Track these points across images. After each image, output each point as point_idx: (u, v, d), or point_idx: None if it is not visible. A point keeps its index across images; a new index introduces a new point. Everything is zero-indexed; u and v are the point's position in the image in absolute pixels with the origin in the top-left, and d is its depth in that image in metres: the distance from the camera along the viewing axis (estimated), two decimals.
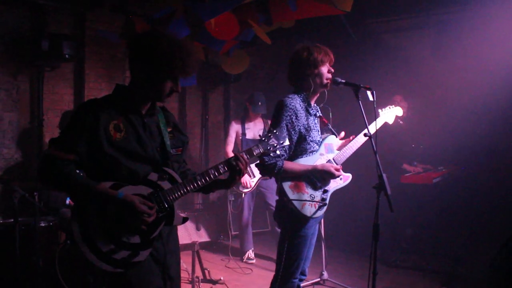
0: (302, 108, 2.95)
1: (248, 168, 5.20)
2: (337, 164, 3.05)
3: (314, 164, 2.95)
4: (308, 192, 2.91)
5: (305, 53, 2.96)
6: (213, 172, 2.28)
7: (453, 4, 5.83)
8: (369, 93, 2.76)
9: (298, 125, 2.89)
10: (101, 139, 2.07)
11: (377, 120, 3.11)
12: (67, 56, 5.02)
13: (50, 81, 5.40)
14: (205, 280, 4.65)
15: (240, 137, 5.63)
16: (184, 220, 2.26)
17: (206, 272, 4.71)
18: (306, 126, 2.93)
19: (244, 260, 5.51)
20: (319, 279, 4.66)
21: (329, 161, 3.03)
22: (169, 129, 2.33)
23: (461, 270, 4.93)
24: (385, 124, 3.54)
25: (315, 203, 2.90)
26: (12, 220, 3.70)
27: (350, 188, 6.50)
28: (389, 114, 3.56)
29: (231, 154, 5.61)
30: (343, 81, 2.88)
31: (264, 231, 6.49)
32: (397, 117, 3.68)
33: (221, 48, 5.44)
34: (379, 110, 3.46)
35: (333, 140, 3.14)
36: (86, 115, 2.09)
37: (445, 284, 4.49)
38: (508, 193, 5.44)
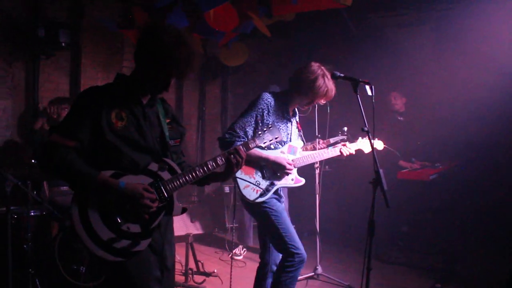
0: (279, 109, 3.13)
1: None
2: (294, 166, 3.20)
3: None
4: (255, 177, 3.10)
5: (315, 78, 3.08)
6: (211, 163, 2.33)
7: None
8: (367, 87, 2.78)
9: (267, 120, 3.06)
10: (103, 127, 2.09)
11: (349, 144, 3.47)
12: (63, 44, 5.02)
13: (46, 69, 5.39)
14: (199, 272, 4.69)
15: None
16: (184, 210, 2.30)
17: (200, 264, 4.74)
18: (276, 124, 3.04)
19: (230, 255, 5.50)
20: (313, 273, 4.70)
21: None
22: (167, 120, 2.38)
23: (457, 268, 4.98)
24: (360, 150, 3.59)
25: (258, 189, 3.07)
26: (4, 208, 3.70)
27: (346, 183, 6.54)
28: (366, 144, 3.58)
29: None
30: (342, 75, 2.91)
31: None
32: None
33: (220, 40, 5.44)
34: (360, 138, 3.58)
35: (299, 145, 3.29)
36: (89, 101, 2.13)
37: (440, 281, 4.52)
38: (506, 190, 5.47)
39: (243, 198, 3.08)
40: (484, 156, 5.69)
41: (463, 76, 5.59)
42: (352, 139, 3.79)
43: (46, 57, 5.31)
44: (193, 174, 2.28)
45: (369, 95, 2.79)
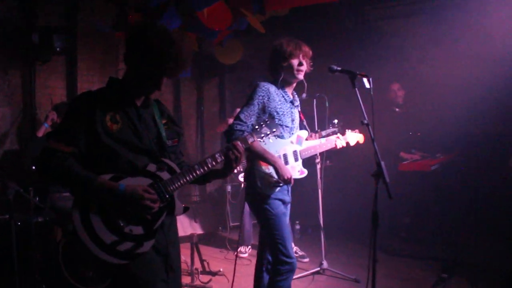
0: (277, 94, 3.15)
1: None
2: (301, 157, 3.30)
3: (278, 154, 3.16)
4: (270, 169, 3.12)
5: (278, 46, 3.20)
6: (210, 161, 2.32)
7: None
8: (365, 80, 2.76)
9: (269, 107, 3.09)
10: (99, 131, 2.08)
11: (341, 136, 3.64)
12: (58, 49, 5.01)
13: (42, 75, 5.39)
14: (205, 272, 4.69)
15: None
16: (185, 209, 2.29)
17: (205, 263, 4.74)
18: (278, 109, 3.12)
19: (235, 253, 5.51)
20: (318, 268, 4.70)
21: (295, 151, 3.26)
22: (163, 121, 2.36)
23: (461, 258, 4.97)
24: (348, 143, 3.77)
25: (273, 180, 3.10)
26: (8, 216, 3.70)
27: (347, 177, 6.53)
28: (353, 137, 3.78)
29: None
30: (339, 68, 2.90)
31: None
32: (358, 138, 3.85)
33: (214, 38, 5.43)
34: (347, 130, 3.78)
35: (304, 135, 3.35)
36: (83, 107, 2.12)
37: (444, 272, 4.52)
38: (506, 179, 5.46)
39: (258, 191, 3.08)
40: (484, 146, 5.69)
41: (460, 66, 5.57)
42: (342, 130, 3.98)
43: (42, 62, 5.29)
44: (193, 172, 2.26)
45: (367, 88, 2.78)
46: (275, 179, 3.09)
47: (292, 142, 3.24)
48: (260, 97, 3.09)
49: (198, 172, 2.28)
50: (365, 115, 2.80)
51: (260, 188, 3.09)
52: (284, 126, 3.18)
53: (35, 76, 5.26)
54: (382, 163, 2.63)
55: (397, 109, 5.89)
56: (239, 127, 3.01)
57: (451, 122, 5.69)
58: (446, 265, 4.77)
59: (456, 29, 5.74)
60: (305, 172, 3.32)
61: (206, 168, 2.30)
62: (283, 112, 3.15)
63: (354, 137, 3.77)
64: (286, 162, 3.21)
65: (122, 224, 2.08)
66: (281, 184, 3.10)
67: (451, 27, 5.85)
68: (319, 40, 6.69)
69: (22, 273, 3.71)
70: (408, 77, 6.09)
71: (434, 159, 5.59)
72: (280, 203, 3.15)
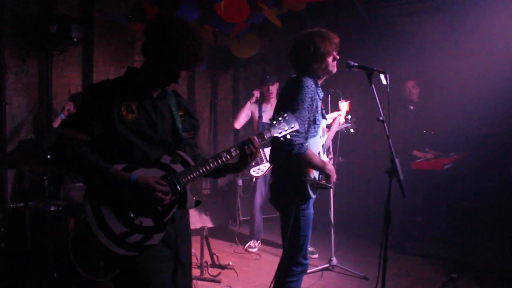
0: (315, 89, 2.93)
1: (261, 152, 5.22)
2: (325, 147, 3.22)
3: (322, 158, 3.05)
4: (314, 174, 2.98)
5: (309, 45, 2.93)
6: (225, 155, 2.28)
7: None
8: (382, 76, 2.73)
9: (313, 109, 2.89)
10: (114, 119, 2.08)
11: (341, 112, 3.75)
12: (75, 39, 5.01)
13: (58, 65, 5.40)
14: (214, 265, 4.69)
15: (257, 119, 5.56)
16: (197, 203, 2.27)
17: (215, 257, 4.74)
18: (318, 109, 2.96)
19: (245, 248, 5.52)
20: (328, 264, 4.68)
21: (323, 145, 3.13)
22: (180, 113, 2.35)
23: (472, 259, 4.92)
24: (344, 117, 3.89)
25: (316, 183, 2.99)
26: (23, 204, 3.74)
27: (360, 174, 6.49)
28: (343, 107, 3.84)
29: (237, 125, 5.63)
30: (356, 64, 2.86)
31: (273, 216, 6.48)
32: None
33: (231, 32, 5.41)
34: (339, 102, 3.89)
35: (325, 124, 3.23)
36: (99, 95, 2.12)
37: (455, 272, 4.48)
38: None
39: (308, 198, 2.95)
40: (498, 146, 5.62)
41: (477, 65, 5.49)
42: (355, 126, 4.03)
43: (59, 52, 5.32)
44: (207, 166, 2.23)
45: (384, 85, 2.75)
46: (323, 183, 2.98)
47: (321, 137, 3.08)
48: (309, 100, 2.83)
49: (212, 165, 2.25)
50: (381, 112, 2.77)
51: (310, 194, 2.94)
52: (318, 125, 2.99)
53: (52, 66, 5.29)
54: (397, 160, 2.61)
55: (411, 107, 5.83)
56: (298, 140, 2.73)
57: (465, 121, 5.62)
58: (456, 266, 4.73)
59: (475, 26, 5.65)
60: (330, 161, 3.24)
61: (220, 162, 2.27)
62: (320, 112, 2.98)
63: (344, 107, 3.74)
64: None
65: (132, 216, 2.07)
66: (329, 187, 3.01)
67: (470, 26, 5.76)
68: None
69: (35, 261, 3.76)
70: (424, 74, 6.02)
71: (448, 158, 5.53)
72: (312, 203, 3.03)
